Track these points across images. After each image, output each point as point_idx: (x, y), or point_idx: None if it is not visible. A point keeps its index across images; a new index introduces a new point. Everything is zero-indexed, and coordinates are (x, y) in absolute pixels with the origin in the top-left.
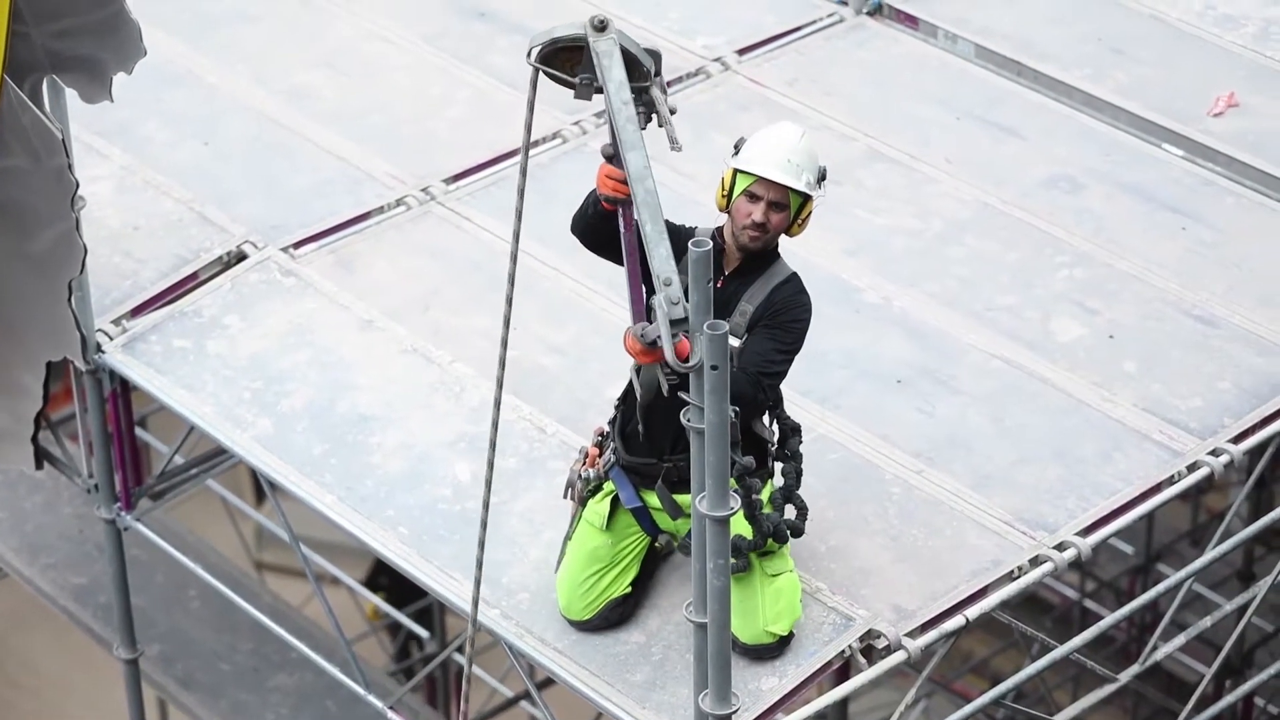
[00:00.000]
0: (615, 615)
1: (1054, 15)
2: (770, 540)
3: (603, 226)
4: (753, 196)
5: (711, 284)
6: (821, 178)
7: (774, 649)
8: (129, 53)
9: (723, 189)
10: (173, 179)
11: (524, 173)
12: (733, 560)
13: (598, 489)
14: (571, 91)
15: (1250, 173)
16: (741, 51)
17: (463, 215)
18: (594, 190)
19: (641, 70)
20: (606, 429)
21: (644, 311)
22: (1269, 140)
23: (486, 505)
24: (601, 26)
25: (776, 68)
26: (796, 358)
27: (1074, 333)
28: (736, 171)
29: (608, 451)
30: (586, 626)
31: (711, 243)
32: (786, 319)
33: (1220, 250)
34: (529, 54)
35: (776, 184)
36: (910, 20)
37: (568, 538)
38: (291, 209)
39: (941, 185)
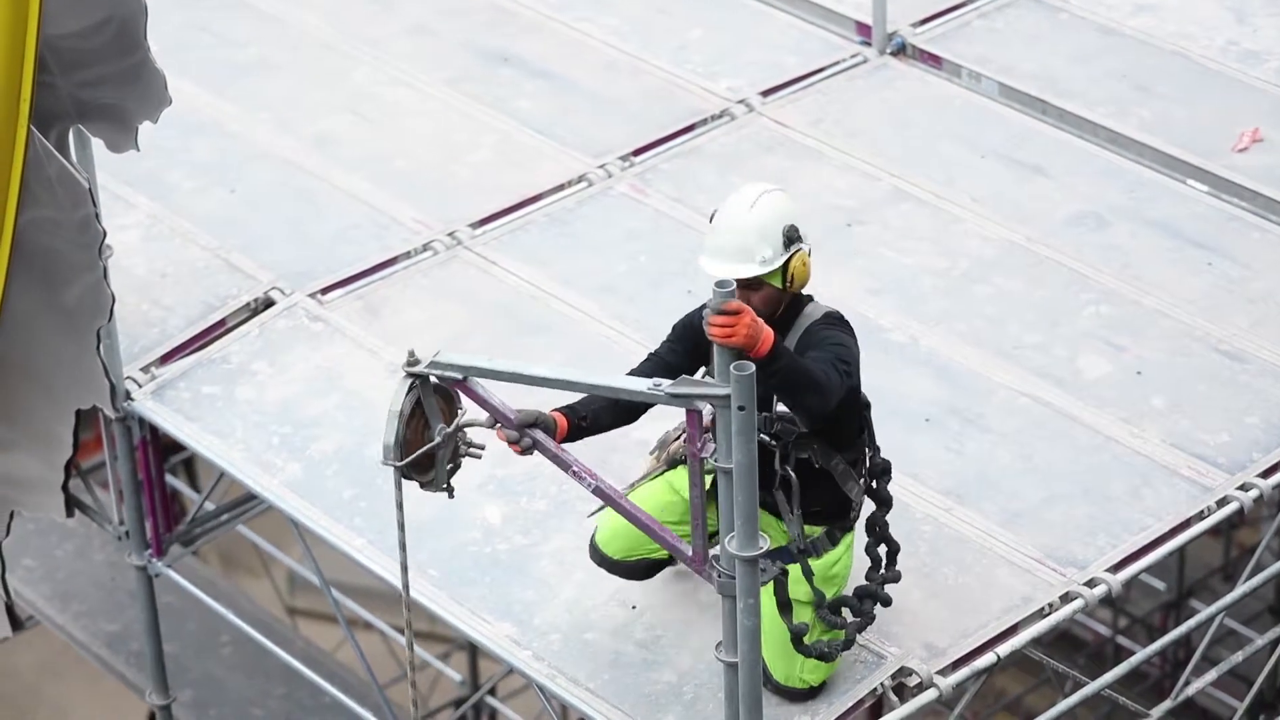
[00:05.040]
0: (639, 571)
1: (1077, 53)
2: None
3: None
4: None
5: None
6: (790, 237)
7: (803, 694)
8: (154, 102)
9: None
10: (199, 227)
11: (407, 605)
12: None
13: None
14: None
15: (1275, 207)
16: (765, 93)
17: (489, 259)
18: None
19: (455, 407)
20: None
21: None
22: None
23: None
24: (413, 360)
25: (800, 109)
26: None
27: (1101, 369)
28: None
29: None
30: (608, 565)
31: (734, 282)
32: (823, 340)
33: (1246, 285)
34: (384, 459)
35: None
36: (934, 60)
37: (631, 487)
38: (318, 255)
39: (967, 224)
